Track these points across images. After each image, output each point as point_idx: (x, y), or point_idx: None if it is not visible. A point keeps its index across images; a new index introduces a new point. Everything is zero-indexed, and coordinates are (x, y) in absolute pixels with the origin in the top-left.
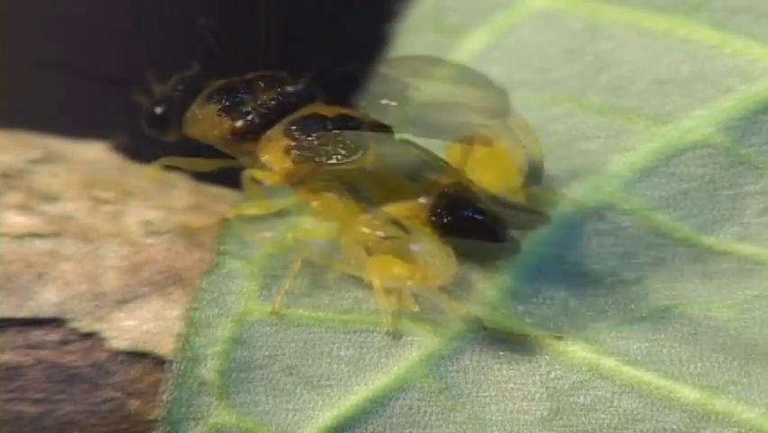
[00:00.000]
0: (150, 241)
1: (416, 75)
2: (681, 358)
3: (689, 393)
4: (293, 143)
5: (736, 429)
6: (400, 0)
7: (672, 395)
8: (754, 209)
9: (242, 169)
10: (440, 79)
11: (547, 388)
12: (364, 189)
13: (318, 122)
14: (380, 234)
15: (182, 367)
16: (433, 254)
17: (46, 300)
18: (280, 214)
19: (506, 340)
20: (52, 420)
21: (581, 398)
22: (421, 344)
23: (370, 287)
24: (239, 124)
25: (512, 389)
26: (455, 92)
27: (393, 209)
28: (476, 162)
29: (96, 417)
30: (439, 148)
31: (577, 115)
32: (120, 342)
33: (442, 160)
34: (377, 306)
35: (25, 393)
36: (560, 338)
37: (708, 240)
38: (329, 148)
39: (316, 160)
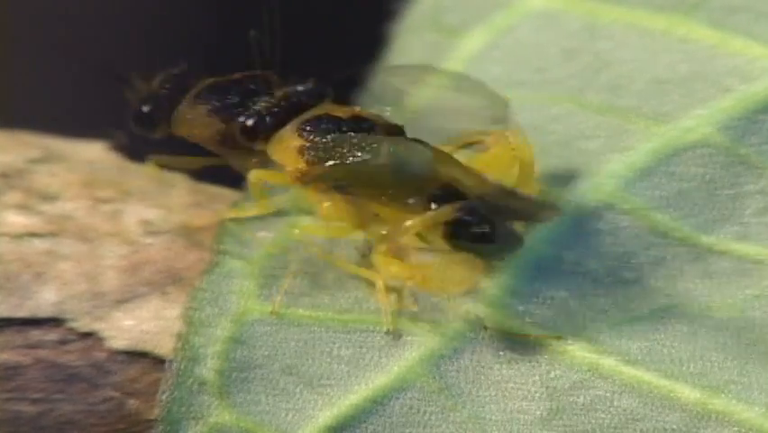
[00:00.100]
0: (149, 240)
1: (414, 82)
2: (681, 358)
3: (688, 393)
4: (307, 144)
5: (735, 429)
6: (399, 0)
7: (671, 395)
8: (753, 209)
9: (229, 167)
10: (438, 86)
11: (547, 387)
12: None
13: (332, 122)
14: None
15: (181, 367)
16: (461, 263)
17: (45, 300)
18: (279, 214)
19: (505, 340)
20: (51, 420)
21: (581, 397)
22: (421, 343)
23: (369, 286)
24: (249, 123)
25: (511, 388)
26: (453, 98)
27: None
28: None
29: (94, 416)
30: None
31: (576, 114)
32: (119, 342)
33: (455, 159)
34: (376, 305)
35: (24, 393)
36: (559, 338)
37: (708, 239)
38: (344, 149)
39: (331, 161)
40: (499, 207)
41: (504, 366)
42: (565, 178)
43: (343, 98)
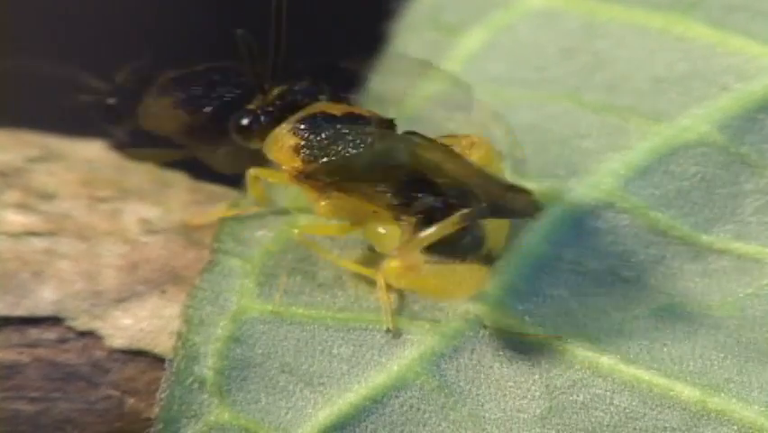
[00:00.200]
0: (147, 239)
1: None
2: (680, 356)
3: (687, 391)
4: (302, 142)
5: (734, 427)
6: None
7: (669, 393)
8: (751, 207)
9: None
10: (401, 75)
11: (546, 386)
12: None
13: (326, 120)
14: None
15: (179, 365)
16: (468, 271)
17: (43, 299)
18: (278, 212)
19: (504, 339)
20: (49, 418)
21: (580, 396)
22: (420, 342)
23: (368, 284)
24: (244, 122)
25: (511, 387)
26: (418, 87)
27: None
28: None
29: (92, 415)
30: None
31: (574, 113)
32: (117, 340)
33: (441, 145)
34: (375, 304)
35: (22, 392)
36: (558, 337)
37: (707, 238)
38: (338, 146)
39: (326, 158)
40: (485, 197)
41: (503, 365)
42: (563, 176)
43: (342, 97)
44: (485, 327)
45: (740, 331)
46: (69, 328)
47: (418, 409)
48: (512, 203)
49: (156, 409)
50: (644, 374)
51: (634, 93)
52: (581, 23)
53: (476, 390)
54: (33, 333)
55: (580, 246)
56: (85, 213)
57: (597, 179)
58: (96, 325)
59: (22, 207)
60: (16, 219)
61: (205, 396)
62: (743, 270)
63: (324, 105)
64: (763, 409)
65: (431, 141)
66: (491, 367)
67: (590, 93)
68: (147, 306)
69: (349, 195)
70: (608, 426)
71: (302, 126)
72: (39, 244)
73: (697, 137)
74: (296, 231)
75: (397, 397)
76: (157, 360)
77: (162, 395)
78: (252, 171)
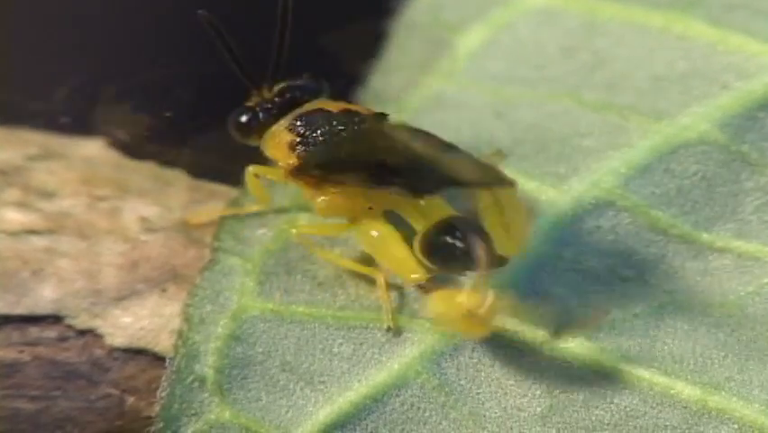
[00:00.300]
0: (147, 238)
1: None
2: (680, 355)
3: (687, 390)
4: (297, 139)
5: (734, 426)
6: None
7: (670, 392)
8: (751, 206)
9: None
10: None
11: (546, 385)
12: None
13: (323, 117)
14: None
15: (179, 364)
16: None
17: (43, 297)
18: (278, 211)
19: (504, 337)
20: (49, 417)
21: (580, 395)
22: (420, 340)
23: (369, 283)
24: (243, 119)
25: (511, 386)
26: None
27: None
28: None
29: (92, 413)
30: None
31: (574, 111)
32: (117, 339)
33: (442, 140)
34: (375, 302)
35: (22, 390)
36: (558, 335)
37: (707, 237)
38: (331, 142)
39: (319, 154)
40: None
41: (504, 364)
42: (564, 175)
43: (343, 95)
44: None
45: (740, 330)
46: (69, 327)
47: (419, 407)
48: (482, 179)
49: (156, 408)
50: (645, 373)
51: (634, 91)
52: (582, 21)
53: (476, 388)
54: (33, 331)
55: (580, 245)
56: (85, 211)
57: (597, 178)
58: (96, 323)
59: (21, 205)
60: (16, 218)
61: (206, 395)
62: (743, 268)
63: (322, 103)
64: (763, 407)
65: (425, 132)
66: (492, 366)
67: (591, 91)
68: (147, 304)
69: (343, 190)
70: (608, 424)
71: (298, 123)
72: (39, 242)
73: (697, 136)
74: (293, 231)
75: (397, 396)
76: (157, 358)
77: (163, 394)
78: (251, 169)
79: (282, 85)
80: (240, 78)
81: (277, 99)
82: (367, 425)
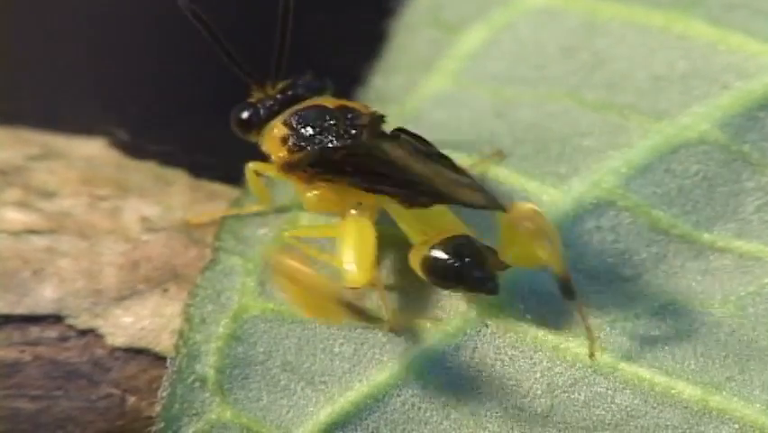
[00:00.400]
0: (148, 237)
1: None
2: (681, 355)
3: (688, 390)
4: (290, 133)
5: (735, 426)
6: None
7: (670, 391)
8: (752, 206)
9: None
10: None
11: (547, 385)
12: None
13: (317, 113)
14: None
15: (180, 364)
16: None
17: (44, 297)
18: (279, 210)
19: (506, 337)
20: (50, 417)
21: (581, 394)
22: (421, 340)
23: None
24: (244, 115)
25: (512, 385)
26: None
27: None
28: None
29: (93, 413)
30: None
31: (574, 111)
32: (117, 338)
33: (435, 149)
34: (376, 302)
35: (23, 390)
36: (559, 335)
37: (707, 236)
38: (323, 137)
39: (309, 148)
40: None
41: (505, 364)
42: (564, 175)
43: (344, 95)
44: (486, 325)
45: (741, 330)
46: (70, 327)
47: (420, 407)
48: (473, 200)
49: (157, 408)
50: (646, 373)
51: (634, 91)
52: (582, 21)
53: (477, 388)
54: (34, 331)
55: (580, 245)
56: (85, 211)
57: (598, 178)
58: (96, 323)
59: (22, 205)
60: (17, 217)
61: (207, 394)
62: (744, 268)
63: (321, 99)
64: (763, 407)
65: (418, 138)
66: (493, 366)
67: (591, 91)
68: (148, 304)
69: (333, 186)
70: (609, 424)
71: (292, 118)
72: (39, 242)
73: (698, 135)
74: (285, 234)
75: (398, 395)
76: (158, 358)
77: (163, 393)
78: (251, 165)
79: (285, 82)
80: (231, 69)
81: (279, 96)
82: (368, 425)
